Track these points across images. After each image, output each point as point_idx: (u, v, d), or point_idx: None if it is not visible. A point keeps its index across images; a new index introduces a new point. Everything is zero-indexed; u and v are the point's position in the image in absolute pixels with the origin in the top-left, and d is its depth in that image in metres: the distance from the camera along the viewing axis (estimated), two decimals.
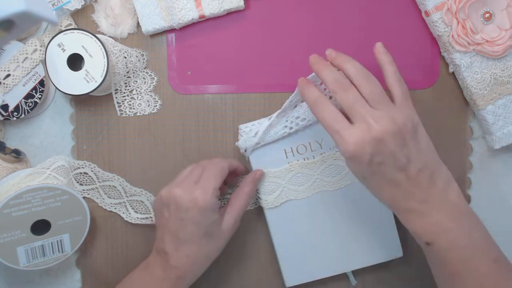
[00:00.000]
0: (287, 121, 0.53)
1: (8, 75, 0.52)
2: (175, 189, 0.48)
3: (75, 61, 0.51)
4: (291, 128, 0.53)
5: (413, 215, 0.44)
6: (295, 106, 0.53)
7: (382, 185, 0.44)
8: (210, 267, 0.52)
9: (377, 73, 0.57)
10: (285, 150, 0.54)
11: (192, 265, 0.49)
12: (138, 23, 0.55)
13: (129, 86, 0.55)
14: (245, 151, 0.54)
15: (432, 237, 0.43)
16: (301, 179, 0.54)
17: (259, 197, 0.55)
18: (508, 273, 0.43)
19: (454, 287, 0.43)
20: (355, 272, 0.57)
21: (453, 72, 0.56)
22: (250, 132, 0.53)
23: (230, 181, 0.56)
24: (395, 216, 0.55)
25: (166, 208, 0.49)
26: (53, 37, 0.50)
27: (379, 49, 0.47)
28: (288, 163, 0.54)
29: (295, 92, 0.51)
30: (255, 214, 0.57)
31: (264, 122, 0.53)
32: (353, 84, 0.44)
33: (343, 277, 0.57)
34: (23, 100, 0.53)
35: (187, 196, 0.47)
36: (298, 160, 0.54)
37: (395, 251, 0.55)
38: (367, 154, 0.42)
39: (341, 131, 0.42)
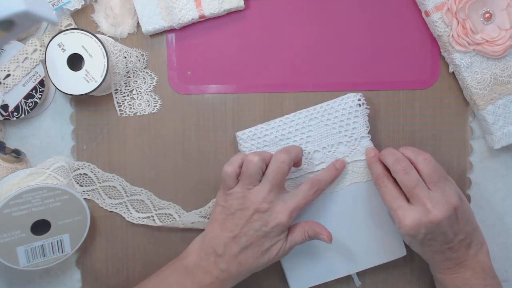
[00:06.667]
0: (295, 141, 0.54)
1: (8, 75, 0.52)
2: (264, 203, 0.47)
3: (75, 61, 0.51)
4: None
5: (446, 270, 0.50)
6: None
7: (425, 251, 0.50)
8: None
9: (380, 63, 0.58)
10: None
11: (238, 274, 0.48)
12: (138, 23, 0.55)
13: (129, 86, 0.55)
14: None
15: None
16: (301, 182, 0.54)
17: None
18: None
19: None
20: (357, 272, 0.57)
21: (453, 72, 0.56)
22: (247, 139, 0.53)
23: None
24: None
25: (242, 210, 0.47)
26: (53, 37, 0.50)
27: (406, 149, 0.50)
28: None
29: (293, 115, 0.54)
30: None
31: (261, 128, 0.54)
32: (411, 163, 0.48)
33: (345, 277, 0.57)
34: (23, 100, 0.53)
35: (273, 210, 0.47)
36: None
37: (399, 250, 0.55)
38: (421, 234, 0.47)
39: (398, 210, 0.47)
